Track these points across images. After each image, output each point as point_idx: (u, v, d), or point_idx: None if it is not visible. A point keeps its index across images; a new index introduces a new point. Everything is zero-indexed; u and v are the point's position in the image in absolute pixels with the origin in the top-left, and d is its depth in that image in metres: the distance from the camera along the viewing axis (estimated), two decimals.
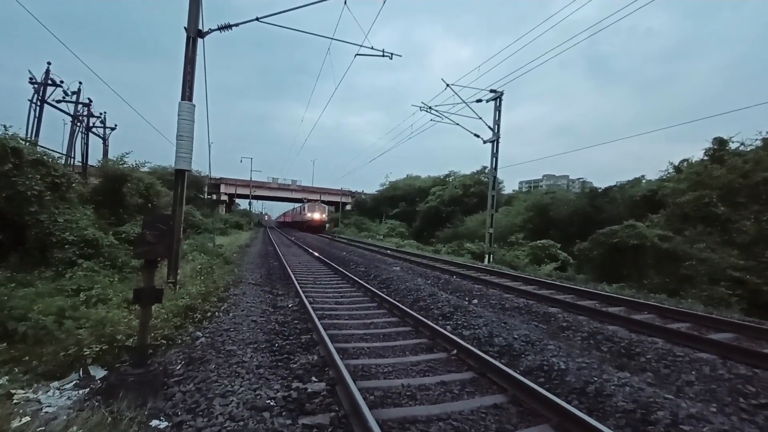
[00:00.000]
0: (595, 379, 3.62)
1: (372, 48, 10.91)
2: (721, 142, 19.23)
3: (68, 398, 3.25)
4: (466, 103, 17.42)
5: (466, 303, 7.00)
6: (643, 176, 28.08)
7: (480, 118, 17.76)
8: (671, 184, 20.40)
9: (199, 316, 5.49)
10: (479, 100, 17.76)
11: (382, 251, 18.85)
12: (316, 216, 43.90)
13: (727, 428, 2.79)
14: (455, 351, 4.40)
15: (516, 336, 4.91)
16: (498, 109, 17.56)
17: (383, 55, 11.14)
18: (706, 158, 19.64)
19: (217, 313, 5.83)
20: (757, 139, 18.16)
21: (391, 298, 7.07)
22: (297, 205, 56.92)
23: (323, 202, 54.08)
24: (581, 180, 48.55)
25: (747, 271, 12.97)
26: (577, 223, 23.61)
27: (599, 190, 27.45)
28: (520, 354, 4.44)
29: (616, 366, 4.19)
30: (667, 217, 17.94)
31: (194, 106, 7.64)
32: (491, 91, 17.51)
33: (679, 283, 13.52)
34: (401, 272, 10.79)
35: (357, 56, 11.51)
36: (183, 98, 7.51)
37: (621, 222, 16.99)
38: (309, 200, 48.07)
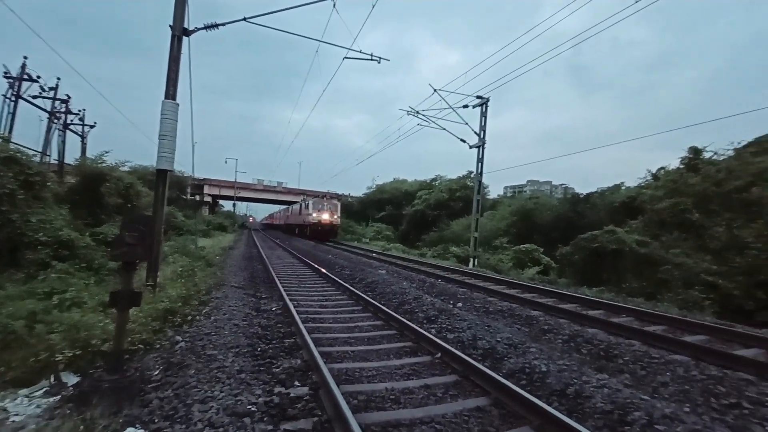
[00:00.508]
0: (575, 381, 3.69)
1: (360, 51, 10.96)
2: (695, 151, 20.00)
3: (37, 406, 3.12)
4: (452, 108, 17.65)
5: (451, 306, 7.04)
6: (622, 183, 28.94)
7: (466, 124, 18.03)
8: (649, 191, 21.07)
9: (179, 319, 5.35)
10: (465, 106, 18.01)
11: (368, 254, 18.80)
12: (325, 217, 30.66)
13: (699, 428, 2.88)
14: (439, 354, 4.42)
15: (499, 339, 4.97)
16: (484, 114, 17.85)
17: (371, 59, 11.19)
18: (682, 166, 20.37)
19: (198, 317, 5.70)
20: (729, 149, 18.99)
21: (375, 301, 7.06)
22: (291, 204, 45.66)
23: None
24: (564, 186, 49.68)
25: (719, 276, 13.48)
26: (560, 228, 24.11)
27: (581, 196, 28.14)
28: (503, 357, 4.49)
29: (596, 368, 4.28)
30: (644, 223, 18.51)
31: (178, 105, 7.50)
32: (477, 97, 17.78)
33: (656, 287, 13.95)
34: (387, 275, 10.79)
35: (345, 59, 11.55)
36: (167, 97, 7.37)
37: (601, 227, 17.45)
38: (316, 194, 34.30)
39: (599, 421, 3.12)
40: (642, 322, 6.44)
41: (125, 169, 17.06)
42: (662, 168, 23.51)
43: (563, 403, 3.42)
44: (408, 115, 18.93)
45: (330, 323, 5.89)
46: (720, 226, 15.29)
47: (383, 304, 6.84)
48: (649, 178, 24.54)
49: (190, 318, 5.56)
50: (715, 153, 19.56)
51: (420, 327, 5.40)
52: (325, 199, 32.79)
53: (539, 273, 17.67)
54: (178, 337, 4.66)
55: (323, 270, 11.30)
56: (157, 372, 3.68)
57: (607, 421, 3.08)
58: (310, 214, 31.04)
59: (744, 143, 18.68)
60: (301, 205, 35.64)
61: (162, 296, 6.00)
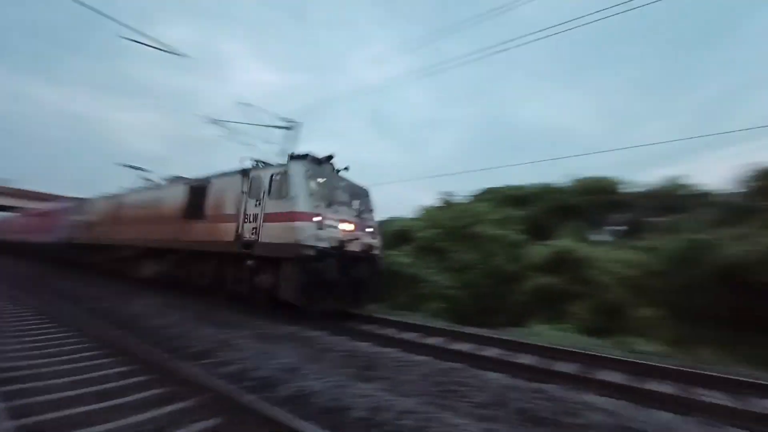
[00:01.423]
0: (343, 395, 3.96)
1: (145, 35, 9.11)
2: (447, 194, 26.91)
3: None
4: (263, 126, 17.02)
5: (232, 336, 6.44)
6: (400, 215, 35.33)
7: (276, 144, 17.69)
8: (418, 223, 26.55)
9: None
10: (278, 126, 17.82)
11: (141, 280, 15.21)
12: (347, 227, 8.30)
13: (429, 415, 3.58)
14: (206, 396, 3.88)
15: (278, 365, 4.84)
16: (294, 138, 18.08)
17: (163, 50, 9.47)
18: (439, 205, 26.86)
19: None
20: (469, 195, 26.71)
21: (128, 340, 5.65)
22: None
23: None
24: None
25: (454, 290, 18.08)
26: None
27: None
28: (280, 383, 4.37)
29: (361, 379, 4.76)
30: (414, 248, 23.00)
31: None
32: (288, 120, 17.95)
33: (418, 301, 17.33)
34: (156, 306, 8.93)
35: (125, 39, 9.30)
36: None
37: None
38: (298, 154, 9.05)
39: (357, 429, 3.43)
40: (402, 332, 7.74)
41: None
42: (430, 205, 30.33)
43: (330, 420, 3.58)
44: (212, 123, 17.02)
45: (48, 380, 4.24)
46: (456, 252, 20.70)
47: (140, 343, 5.53)
48: (419, 212, 31.05)
49: None
50: (461, 197, 27.02)
51: (184, 365, 4.63)
52: (327, 162, 9.64)
53: None
54: None
55: (61, 304, 8.26)
56: None
57: (362, 427, 3.43)
58: (296, 218, 7.75)
59: (476, 192, 26.63)
60: (217, 188, 10.54)
61: None
